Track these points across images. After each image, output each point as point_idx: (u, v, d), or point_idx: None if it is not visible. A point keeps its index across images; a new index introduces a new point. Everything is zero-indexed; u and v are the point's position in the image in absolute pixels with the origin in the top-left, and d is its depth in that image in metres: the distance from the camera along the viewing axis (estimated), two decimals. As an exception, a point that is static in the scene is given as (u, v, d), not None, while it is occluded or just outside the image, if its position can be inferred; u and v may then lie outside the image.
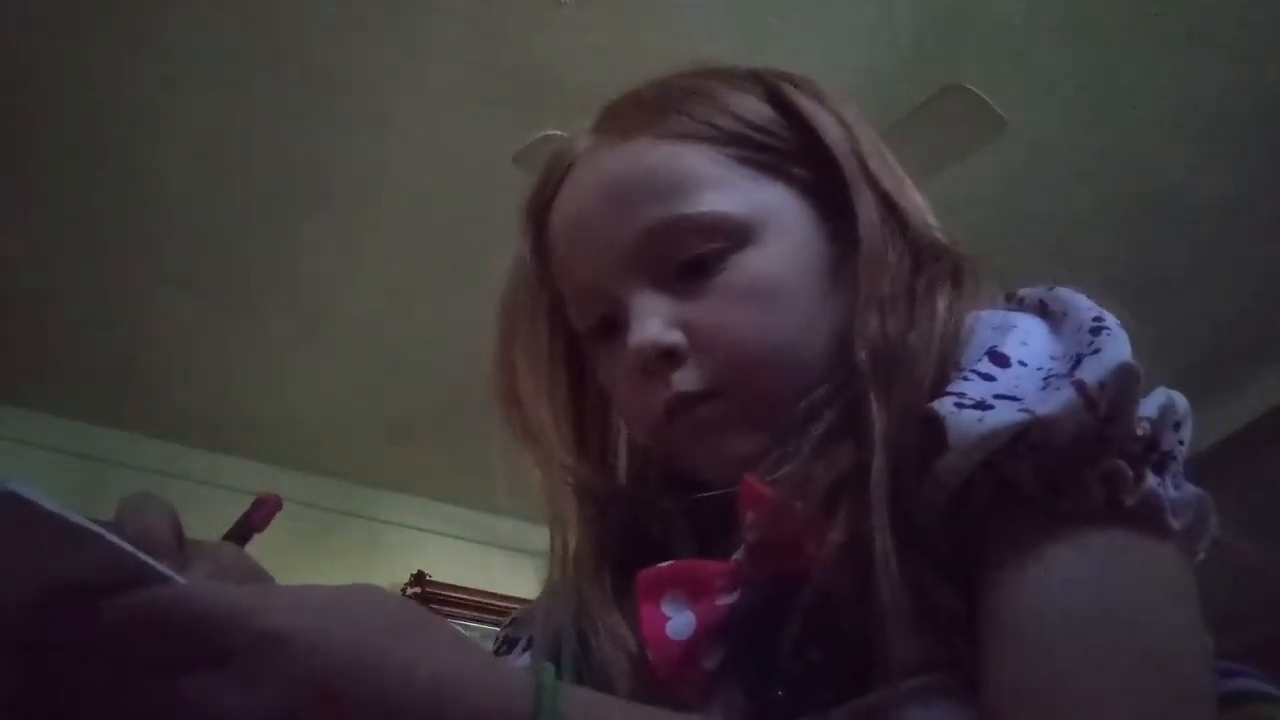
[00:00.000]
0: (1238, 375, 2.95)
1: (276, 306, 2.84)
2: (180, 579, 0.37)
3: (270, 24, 2.10)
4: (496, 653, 0.68)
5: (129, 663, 0.36)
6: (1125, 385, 0.45)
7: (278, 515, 0.54)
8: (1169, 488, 0.46)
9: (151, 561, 0.37)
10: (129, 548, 0.36)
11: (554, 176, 0.63)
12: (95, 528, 0.35)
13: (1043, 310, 0.53)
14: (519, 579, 3.30)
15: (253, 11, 2.08)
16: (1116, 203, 2.53)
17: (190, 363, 3.03)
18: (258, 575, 0.45)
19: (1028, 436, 0.45)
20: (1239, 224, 2.58)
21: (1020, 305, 0.55)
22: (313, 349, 3.00)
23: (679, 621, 0.51)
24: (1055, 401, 0.45)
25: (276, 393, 3.16)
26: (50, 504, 0.34)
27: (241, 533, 0.52)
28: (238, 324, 2.89)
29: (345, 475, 3.50)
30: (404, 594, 3.37)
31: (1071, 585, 0.44)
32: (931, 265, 0.56)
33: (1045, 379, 0.48)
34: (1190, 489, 0.47)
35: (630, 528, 0.62)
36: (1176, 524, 0.46)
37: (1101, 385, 0.45)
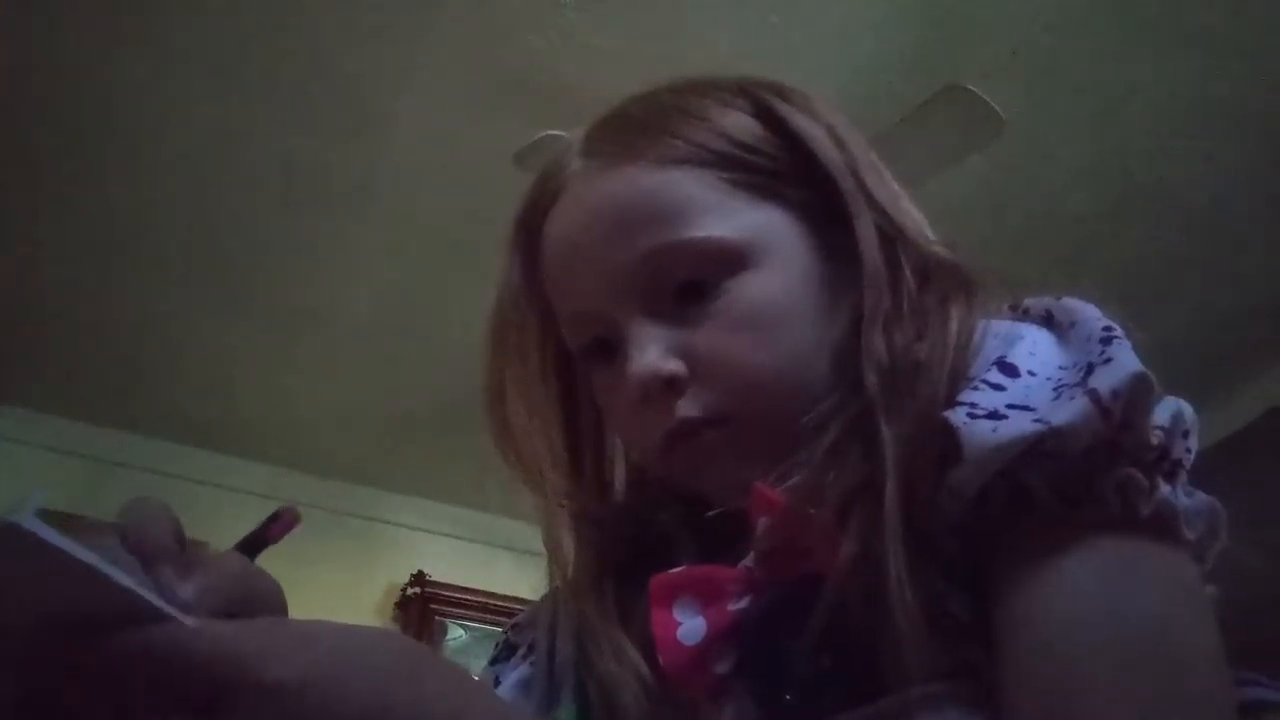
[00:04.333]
0: (1237, 375, 2.95)
1: (277, 306, 2.84)
2: (187, 619, 0.36)
3: (271, 25, 2.10)
4: (496, 659, 0.68)
5: (131, 702, 0.35)
6: (1139, 394, 0.45)
7: (296, 529, 0.53)
8: (1180, 496, 0.46)
9: (157, 601, 0.36)
10: (134, 585, 0.36)
11: (544, 198, 0.62)
12: (100, 564, 0.35)
13: (1049, 320, 0.53)
14: (519, 579, 3.30)
15: (254, 13, 2.08)
16: (1116, 203, 2.53)
17: (190, 363, 3.03)
18: (264, 586, 0.45)
19: (1042, 446, 0.44)
20: (1238, 224, 2.58)
21: (1025, 315, 0.55)
22: (313, 349, 3.00)
23: (690, 626, 0.51)
24: (1069, 411, 0.45)
25: (276, 393, 3.16)
26: (54, 536, 0.33)
27: (255, 544, 0.52)
28: (238, 324, 2.89)
29: (345, 475, 3.51)
30: (404, 594, 3.38)
31: (1091, 595, 0.44)
32: (940, 280, 0.56)
33: (1056, 389, 0.47)
34: (1202, 498, 0.47)
35: (630, 541, 0.61)
36: (1190, 533, 0.46)
37: (1115, 394, 0.45)
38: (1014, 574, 0.45)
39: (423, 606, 3.36)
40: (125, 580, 0.35)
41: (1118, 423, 0.45)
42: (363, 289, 2.78)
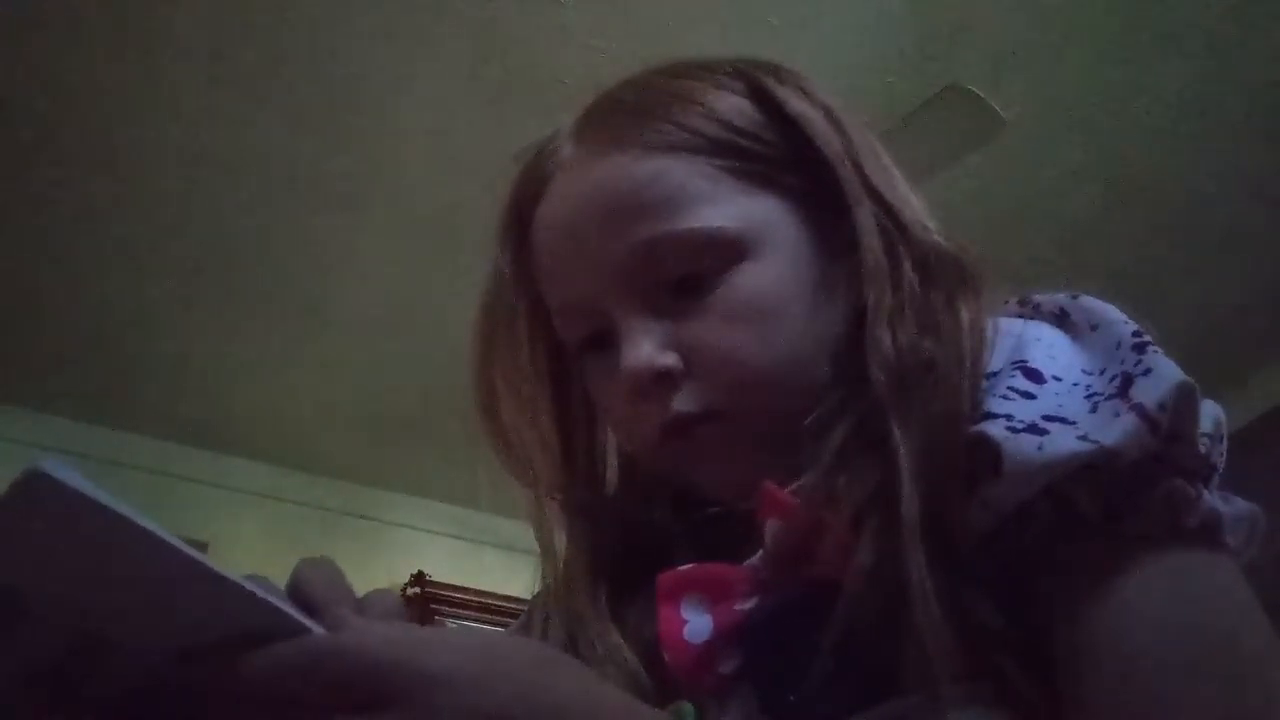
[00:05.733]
0: (1236, 376, 2.95)
1: (277, 306, 2.84)
2: (311, 624, 0.38)
3: (271, 25, 2.10)
4: None
5: (283, 710, 0.37)
6: (1186, 405, 0.45)
7: None
8: (1220, 503, 0.46)
9: (287, 607, 0.38)
10: (272, 598, 0.37)
11: (535, 186, 0.61)
12: (204, 559, 0.36)
13: (1062, 318, 0.52)
14: (518, 579, 3.29)
15: (254, 12, 2.08)
16: (1116, 203, 2.53)
17: (190, 363, 3.03)
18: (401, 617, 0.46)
19: (1089, 462, 0.44)
20: (1238, 224, 2.58)
21: (1037, 312, 0.54)
22: (313, 349, 3.00)
23: (696, 624, 0.50)
24: (1119, 430, 0.44)
25: (276, 392, 3.16)
26: (171, 539, 0.34)
27: None
28: (237, 324, 2.89)
29: (345, 475, 3.50)
30: (404, 594, 3.38)
31: (1162, 613, 0.43)
32: (943, 274, 0.54)
33: (1089, 397, 0.47)
34: (1242, 504, 0.47)
35: (624, 537, 0.61)
36: (1231, 540, 0.46)
37: (1161, 406, 0.44)
38: (1073, 591, 0.45)
39: (423, 606, 3.35)
40: (252, 586, 0.37)
41: (1165, 435, 0.44)
42: (363, 289, 2.78)
